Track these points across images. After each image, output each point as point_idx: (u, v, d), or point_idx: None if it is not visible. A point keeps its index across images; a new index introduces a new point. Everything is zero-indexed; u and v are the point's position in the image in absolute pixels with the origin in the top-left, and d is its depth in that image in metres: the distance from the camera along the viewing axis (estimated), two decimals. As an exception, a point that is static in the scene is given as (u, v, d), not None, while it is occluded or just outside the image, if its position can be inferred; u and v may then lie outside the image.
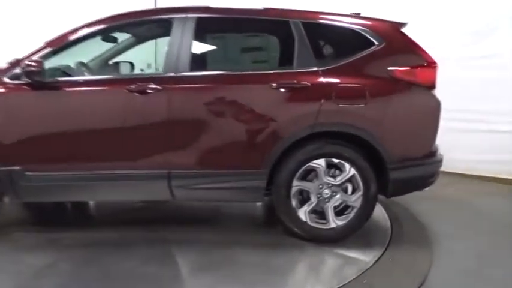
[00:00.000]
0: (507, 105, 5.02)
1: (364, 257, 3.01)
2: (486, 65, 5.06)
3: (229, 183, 3.14)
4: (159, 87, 3.04)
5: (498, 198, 4.65)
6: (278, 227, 3.36)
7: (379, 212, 3.86)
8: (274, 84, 3.06)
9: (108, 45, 3.81)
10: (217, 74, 3.22)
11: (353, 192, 3.19)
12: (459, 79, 5.04)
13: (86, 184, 3.13)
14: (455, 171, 5.12)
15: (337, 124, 3.09)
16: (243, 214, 3.93)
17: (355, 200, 3.15)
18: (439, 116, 3.20)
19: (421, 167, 3.21)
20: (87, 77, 3.38)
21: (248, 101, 3.09)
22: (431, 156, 3.26)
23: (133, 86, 3.04)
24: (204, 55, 3.46)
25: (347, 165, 3.11)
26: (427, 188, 3.35)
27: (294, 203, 3.16)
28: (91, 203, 4.14)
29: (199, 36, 3.28)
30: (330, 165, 3.16)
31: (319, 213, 3.22)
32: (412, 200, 4.09)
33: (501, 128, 5.09)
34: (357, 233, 3.24)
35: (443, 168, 3.35)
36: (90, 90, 3.14)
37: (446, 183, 4.61)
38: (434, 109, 3.19)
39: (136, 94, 3.03)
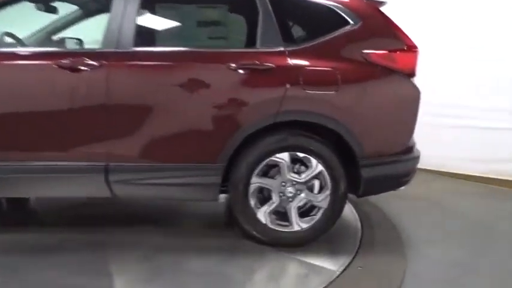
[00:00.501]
0: (489, 101, 4.73)
1: (330, 265, 2.64)
2: (472, 58, 4.76)
3: (179, 178, 2.71)
4: (95, 63, 2.57)
5: (475, 198, 4.37)
6: (236, 230, 2.96)
7: (349, 213, 3.51)
8: (233, 65, 2.63)
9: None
10: (167, 51, 2.77)
11: (320, 191, 2.81)
12: (440, 71, 4.74)
13: (11, 177, 2.65)
14: (429, 168, 4.82)
15: (303, 113, 2.69)
16: (196, 214, 3.49)
17: (322, 199, 2.77)
18: (418, 108, 2.85)
19: (396, 164, 2.86)
20: (6, 48, 2.84)
21: (202, 83, 2.66)
22: (408, 152, 2.90)
23: (64, 62, 2.56)
24: (151, 29, 2.98)
25: (314, 161, 2.73)
26: (402, 188, 3.02)
27: (252, 202, 2.76)
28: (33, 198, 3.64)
29: (147, 7, 2.82)
30: (294, 160, 2.77)
31: (281, 214, 2.82)
32: (385, 199, 3.74)
33: (481, 124, 4.81)
34: (323, 237, 2.86)
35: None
36: (12, 64, 2.64)
37: (421, 181, 4.32)
38: (413, 99, 2.83)
39: (68, 71, 2.56)
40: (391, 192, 3.03)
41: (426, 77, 2.99)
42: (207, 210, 3.48)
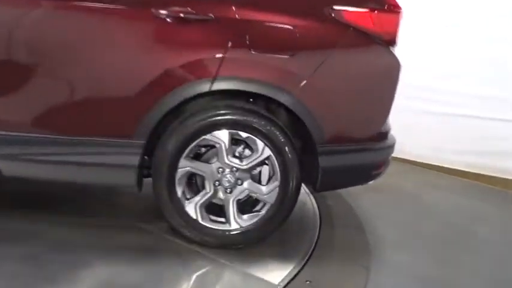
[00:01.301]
0: (475, 87, 4.19)
1: (272, 277, 2.08)
2: (459, 36, 4.19)
3: (83, 156, 2.09)
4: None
5: (455, 195, 3.85)
6: (162, 225, 2.38)
7: (307, 206, 2.96)
8: (161, 12, 2.00)
9: None
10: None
11: (268, 181, 2.24)
12: (423, 50, 4.17)
13: None
14: (403, 157, 4.28)
15: (248, 81, 2.07)
16: (121, 201, 2.87)
17: (269, 192, 2.19)
18: (397, 84, 2.28)
19: (365, 152, 2.29)
20: None
21: (115, 33, 2.02)
22: (380, 138, 2.33)
23: None
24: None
25: (260, 143, 2.13)
26: (370, 182, 2.47)
27: (179, 191, 2.17)
28: None
29: None
30: (236, 141, 2.19)
31: (216, 208, 2.26)
32: (353, 190, 3.23)
33: (464, 112, 4.28)
34: (268, 239, 2.30)
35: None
36: None
37: (394, 172, 3.80)
38: (391, 73, 2.25)
39: None
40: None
41: (405, 51, 2.40)
42: (136, 198, 2.88)
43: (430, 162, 4.40)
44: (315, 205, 3.00)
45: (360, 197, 3.27)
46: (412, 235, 2.82)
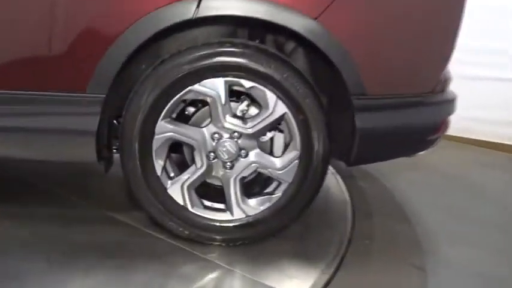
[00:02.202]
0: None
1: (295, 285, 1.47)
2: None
3: (22, 118, 1.48)
4: None
5: (504, 173, 3.15)
6: (139, 215, 1.75)
7: (336, 188, 2.32)
8: None
9: None
10: None
11: (283, 151, 1.60)
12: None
13: None
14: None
15: (250, 1, 1.43)
16: (82, 185, 2.20)
17: (285, 167, 1.55)
18: (463, 11, 1.61)
19: (419, 108, 1.62)
20: None
21: None
22: (439, 89, 1.68)
23: None
24: None
25: (270, 95, 1.49)
26: (421, 153, 1.81)
27: (158, 168, 1.54)
28: None
29: None
30: (236, 95, 1.55)
31: (213, 191, 1.63)
32: (384, 169, 2.59)
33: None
34: (284, 233, 1.67)
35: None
36: None
37: (435, 149, 3.13)
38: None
39: None
40: (396, 161, 1.84)
41: None
42: (108, 180, 2.23)
43: (470, 137, 3.71)
44: (344, 188, 2.35)
45: (395, 177, 2.61)
46: (467, 224, 2.15)
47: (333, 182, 2.41)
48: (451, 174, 2.94)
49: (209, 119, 1.53)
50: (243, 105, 1.56)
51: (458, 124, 3.60)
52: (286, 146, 1.57)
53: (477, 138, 3.67)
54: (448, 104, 1.71)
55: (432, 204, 2.36)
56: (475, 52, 3.47)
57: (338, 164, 2.67)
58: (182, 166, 1.62)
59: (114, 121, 1.61)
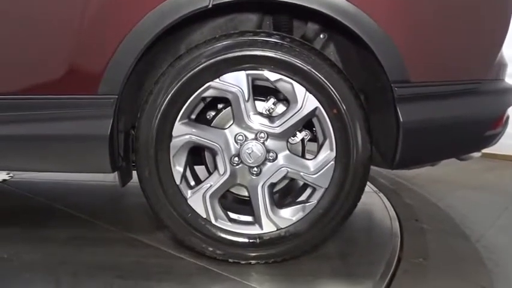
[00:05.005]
0: None
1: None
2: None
3: (30, 125, 1.37)
4: None
5: None
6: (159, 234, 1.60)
7: (379, 205, 2.09)
8: None
9: None
10: None
11: (317, 153, 1.41)
12: None
13: None
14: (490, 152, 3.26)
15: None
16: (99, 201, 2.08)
17: (319, 170, 1.36)
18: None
19: (473, 97, 1.41)
20: None
21: None
22: (495, 76, 1.46)
23: None
24: None
25: (299, 89, 1.32)
26: (478, 154, 1.57)
27: (178, 175, 1.39)
28: None
29: None
30: (259, 90, 1.39)
31: (237, 201, 1.45)
32: (434, 189, 2.33)
33: None
34: (322, 248, 1.46)
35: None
36: None
37: (481, 169, 2.82)
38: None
39: None
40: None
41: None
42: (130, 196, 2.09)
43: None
44: (389, 205, 2.11)
45: (446, 195, 2.34)
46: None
47: (376, 199, 2.18)
48: (510, 193, 2.62)
49: (232, 120, 1.38)
50: (269, 103, 1.40)
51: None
52: (319, 147, 1.38)
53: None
54: (507, 94, 1.49)
55: (492, 222, 2.06)
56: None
57: (380, 184, 2.46)
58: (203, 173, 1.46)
59: (132, 131, 1.49)
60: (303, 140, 1.42)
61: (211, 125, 1.43)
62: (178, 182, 1.38)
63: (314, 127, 1.40)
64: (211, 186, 1.38)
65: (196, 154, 1.49)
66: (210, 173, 1.45)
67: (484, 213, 2.20)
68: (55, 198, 2.04)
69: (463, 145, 1.48)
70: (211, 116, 1.45)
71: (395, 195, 2.26)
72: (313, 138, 1.46)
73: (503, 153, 3.32)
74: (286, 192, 1.49)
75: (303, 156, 1.43)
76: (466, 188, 2.42)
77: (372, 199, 2.17)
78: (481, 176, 2.74)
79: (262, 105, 1.40)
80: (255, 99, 1.37)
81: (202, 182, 1.40)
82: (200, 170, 1.57)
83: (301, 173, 1.37)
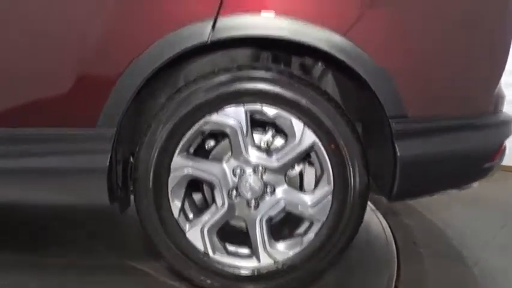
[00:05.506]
0: None
1: None
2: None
3: (27, 158, 1.37)
4: None
5: None
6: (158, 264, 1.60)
7: (377, 227, 2.09)
8: None
9: None
10: None
11: (315, 186, 1.41)
12: None
13: None
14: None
15: (270, 19, 1.28)
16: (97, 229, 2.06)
17: (317, 203, 1.36)
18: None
19: (470, 131, 1.41)
20: None
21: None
22: (492, 109, 1.47)
23: None
24: None
25: (297, 123, 1.33)
26: (475, 184, 1.58)
27: (176, 209, 1.39)
28: None
29: None
30: (257, 123, 1.40)
31: (235, 234, 1.45)
32: (433, 204, 2.32)
33: None
34: (323, 279, 1.46)
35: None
36: None
37: (484, 181, 2.81)
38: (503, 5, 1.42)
39: None
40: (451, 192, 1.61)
41: None
42: (127, 225, 2.09)
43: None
44: (387, 226, 2.11)
45: (446, 213, 2.35)
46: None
47: (374, 220, 2.18)
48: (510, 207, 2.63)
49: (229, 152, 1.38)
50: (268, 136, 1.40)
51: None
52: (317, 181, 1.39)
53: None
54: (505, 126, 1.49)
55: (491, 242, 2.07)
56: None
57: (378, 199, 2.46)
58: (201, 205, 1.46)
59: (130, 158, 1.49)
60: (300, 172, 1.43)
61: (210, 156, 1.43)
62: (176, 216, 1.38)
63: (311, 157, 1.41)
64: (209, 219, 1.38)
65: (194, 184, 1.49)
66: (208, 205, 1.45)
67: (482, 232, 2.20)
68: (54, 219, 2.04)
69: (461, 177, 1.49)
70: (210, 146, 1.45)
71: (393, 213, 2.26)
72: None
73: (504, 164, 3.33)
74: (283, 223, 1.49)
75: (300, 188, 1.43)
76: (465, 202, 2.42)
77: (370, 219, 2.17)
78: (480, 188, 2.74)
79: (260, 137, 1.41)
80: (253, 131, 1.38)
81: (201, 215, 1.40)
82: (198, 194, 1.57)
83: (299, 207, 1.37)
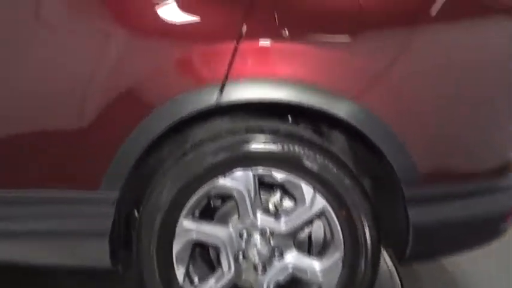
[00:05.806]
0: None
1: None
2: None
3: (26, 221, 1.33)
4: None
5: None
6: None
7: (385, 273, 2.03)
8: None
9: None
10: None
11: (324, 252, 1.37)
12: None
13: None
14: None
15: (280, 84, 1.23)
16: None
17: (326, 270, 1.31)
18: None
19: (486, 195, 1.37)
20: None
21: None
22: (506, 171, 1.43)
23: None
24: None
25: (307, 188, 1.28)
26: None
27: (180, 274, 1.33)
28: None
29: None
30: (265, 186, 1.35)
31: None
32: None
33: None
34: None
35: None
36: None
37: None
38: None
39: None
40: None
41: None
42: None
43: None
44: (394, 272, 2.05)
45: (460, 262, 2.26)
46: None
47: (382, 264, 2.12)
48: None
49: (236, 215, 1.33)
50: (276, 198, 1.36)
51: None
52: (327, 246, 1.34)
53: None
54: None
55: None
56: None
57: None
58: (207, 269, 1.41)
59: (135, 211, 1.44)
60: (309, 236, 1.38)
61: (216, 216, 1.38)
62: (181, 282, 1.33)
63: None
64: (215, 285, 1.34)
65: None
66: (213, 268, 1.40)
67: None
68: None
69: (475, 240, 1.44)
70: (218, 205, 1.40)
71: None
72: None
73: None
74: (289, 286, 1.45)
75: (309, 252, 1.39)
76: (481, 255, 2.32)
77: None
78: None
79: (267, 198, 1.36)
80: (260, 192, 1.33)
81: (207, 280, 1.35)
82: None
83: (308, 273, 1.32)
